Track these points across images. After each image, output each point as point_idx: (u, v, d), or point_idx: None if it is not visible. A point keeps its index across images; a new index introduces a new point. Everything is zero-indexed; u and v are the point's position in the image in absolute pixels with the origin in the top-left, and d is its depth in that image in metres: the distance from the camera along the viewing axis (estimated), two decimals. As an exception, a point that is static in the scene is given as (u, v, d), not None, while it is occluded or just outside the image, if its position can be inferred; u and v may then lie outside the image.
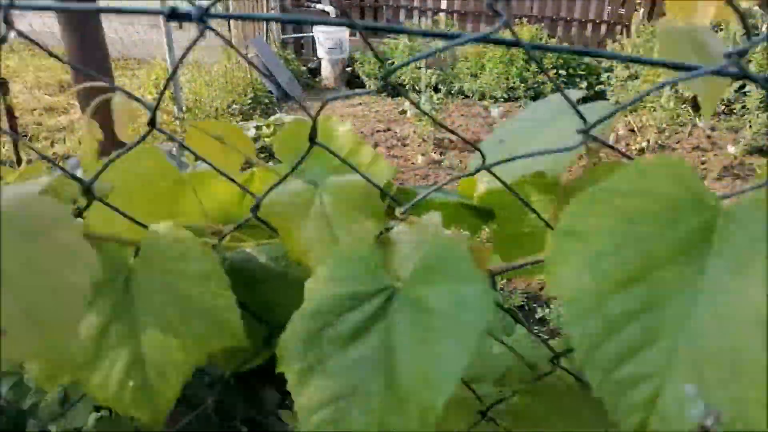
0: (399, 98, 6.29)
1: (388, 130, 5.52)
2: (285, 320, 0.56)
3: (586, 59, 6.71)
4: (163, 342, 0.45)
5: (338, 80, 7.01)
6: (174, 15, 0.33)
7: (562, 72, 6.58)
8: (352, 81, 7.20)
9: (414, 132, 5.35)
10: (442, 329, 0.38)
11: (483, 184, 0.52)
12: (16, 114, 4.85)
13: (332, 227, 0.47)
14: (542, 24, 7.07)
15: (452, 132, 0.43)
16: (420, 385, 0.37)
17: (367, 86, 6.94)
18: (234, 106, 5.37)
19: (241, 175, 0.61)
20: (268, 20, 7.40)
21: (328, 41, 6.81)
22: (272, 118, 4.96)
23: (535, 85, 6.59)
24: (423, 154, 4.90)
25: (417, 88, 6.02)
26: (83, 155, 0.57)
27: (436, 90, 6.06)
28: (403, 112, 5.62)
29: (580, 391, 0.56)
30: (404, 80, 6.32)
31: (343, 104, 6.28)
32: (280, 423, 1.80)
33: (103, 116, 0.74)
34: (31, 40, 0.39)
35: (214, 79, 5.65)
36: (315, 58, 7.17)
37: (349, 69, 7.20)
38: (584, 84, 6.59)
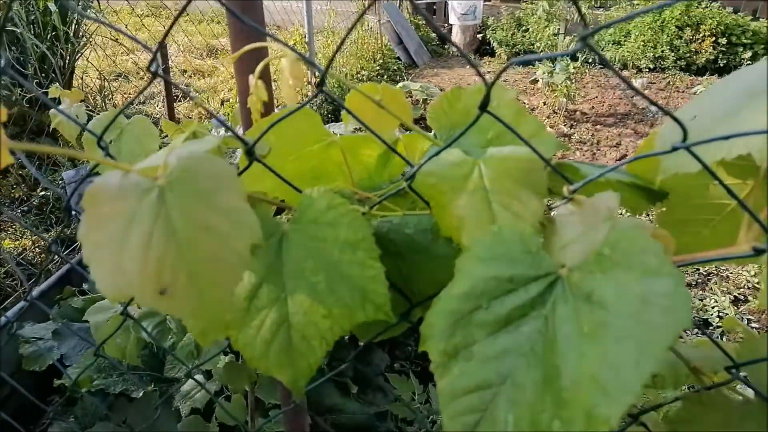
0: (530, 66, 6.00)
1: (517, 100, 5.30)
2: (426, 295, 0.54)
3: (754, 25, 5.90)
4: (310, 308, 0.44)
5: (468, 47, 6.82)
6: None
7: (722, 40, 5.86)
8: (480, 48, 6.98)
9: (544, 103, 5.09)
10: (620, 329, 0.33)
11: (668, 163, 0.45)
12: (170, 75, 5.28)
13: (490, 203, 0.43)
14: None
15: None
16: (589, 389, 0.33)
17: (498, 54, 6.69)
18: (363, 72, 5.44)
19: (389, 139, 0.59)
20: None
21: (461, 6, 6.62)
22: (399, 85, 4.96)
23: (687, 55, 5.94)
24: (552, 127, 4.65)
25: (551, 56, 5.68)
26: (254, 115, 0.57)
27: (574, 58, 5.69)
28: (534, 81, 5.35)
29: (761, 409, 0.48)
30: (538, 47, 6.00)
31: (470, 72, 6.11)
32: (388, 385, 1.84)
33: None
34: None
35: (345, 44, 5.75)
36: (445, 25, 7.03)
37: (480, 36, 6.98)
38: (748, 54, 5.83)
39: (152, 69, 0.44)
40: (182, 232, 0.35)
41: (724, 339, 2.36)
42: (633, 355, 0.32)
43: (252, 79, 0.47)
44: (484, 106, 0.40)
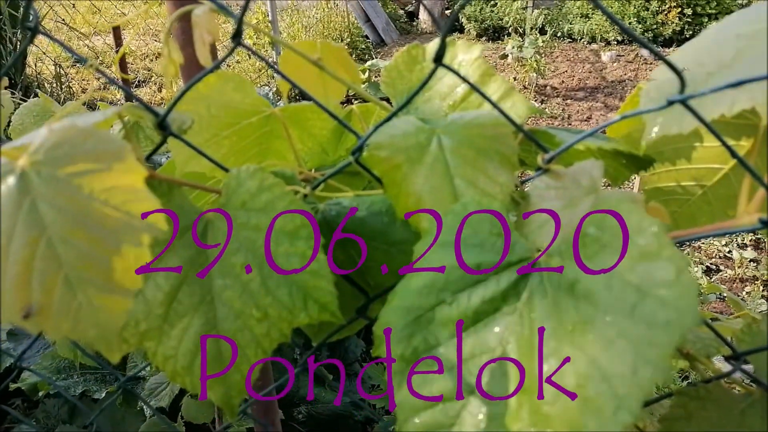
0: (499, 42, 5.94)
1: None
2: (385, 287, 0.47)
3: (719, -5, 5.91)
4: (241, 311, 0.37)
5: (436, 23, 6.71)
6: None
7: (687, 11, 5.87)
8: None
9: (515, 78, 5.03)
10: (611, 328, 0.27)
11: (656, 126, 0.39)
12: (129, 60, 5.08)
13: (452, 178, 0.36)
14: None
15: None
16: (575, 405, 0.27)
17: (467, 30, 6.61)
18: (330, 51, 5.28)
19: (340, 111, 0.52)
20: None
21: (428, -19, 6.49)
22: (368, 63, 4.85)
23: (654, 27, 5.94)
24: (524, 102, 4.61)
25: (520, 30, 5.63)
26: (166, 86, 0.49)
27: (542, 32, 5.65)
28: (504, 56, 5.28)
29: (764, 402, 0.43)
30: (506, 21, 5.94)
31: (440, 49, 6.00)
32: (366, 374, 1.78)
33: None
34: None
35: (311, 23, 5.60)
36: (413, 1, 6.90)
37: (448, 12, 6.87)
38: (713, 24, 5.86)
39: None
40: (55, 227, 0.27)
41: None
42: (628, 362, 0.25)
43: (163, 35, 0.39)
44: (439, 59, 0.33)
